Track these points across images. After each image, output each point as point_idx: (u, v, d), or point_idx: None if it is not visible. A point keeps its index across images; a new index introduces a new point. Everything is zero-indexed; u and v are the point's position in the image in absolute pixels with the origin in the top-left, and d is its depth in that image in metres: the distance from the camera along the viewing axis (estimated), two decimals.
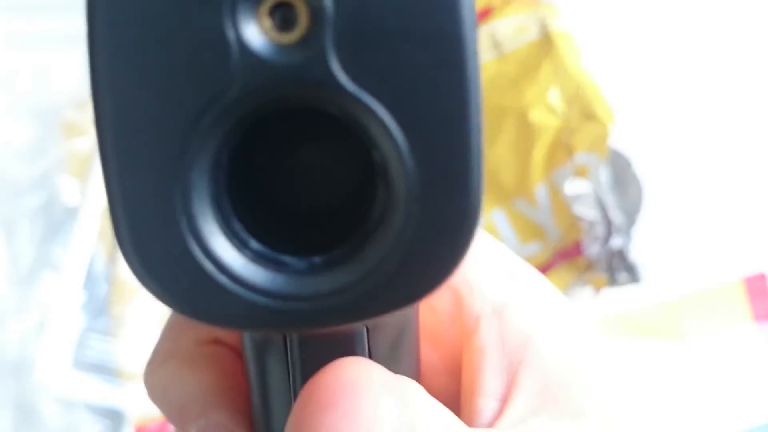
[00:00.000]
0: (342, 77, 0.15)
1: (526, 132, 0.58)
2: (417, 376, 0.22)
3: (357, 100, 0.15)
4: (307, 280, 0.16)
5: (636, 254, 0.58)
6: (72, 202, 0.61)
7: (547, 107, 0.58)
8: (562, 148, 0.58)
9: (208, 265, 0.16)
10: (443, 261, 0.17)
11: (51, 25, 0.67)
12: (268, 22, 0.15)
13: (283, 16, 0.15)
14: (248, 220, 0.17)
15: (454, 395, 0.23)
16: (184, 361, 0.22)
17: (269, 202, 0.18)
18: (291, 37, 0.15)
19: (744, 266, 0.58)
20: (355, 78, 0.15)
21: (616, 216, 0.57)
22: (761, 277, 0.58)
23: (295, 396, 0.19)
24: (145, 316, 0.58)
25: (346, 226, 0.17)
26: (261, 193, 0.18)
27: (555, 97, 0.58)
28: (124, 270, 0.59)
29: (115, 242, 0.16)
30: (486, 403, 0.21)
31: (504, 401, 0.21)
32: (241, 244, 0.16)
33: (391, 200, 0.16)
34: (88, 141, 0.62)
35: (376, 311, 0.17)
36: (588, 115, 0.58)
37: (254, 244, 0.16)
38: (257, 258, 0.16)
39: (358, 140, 0.16)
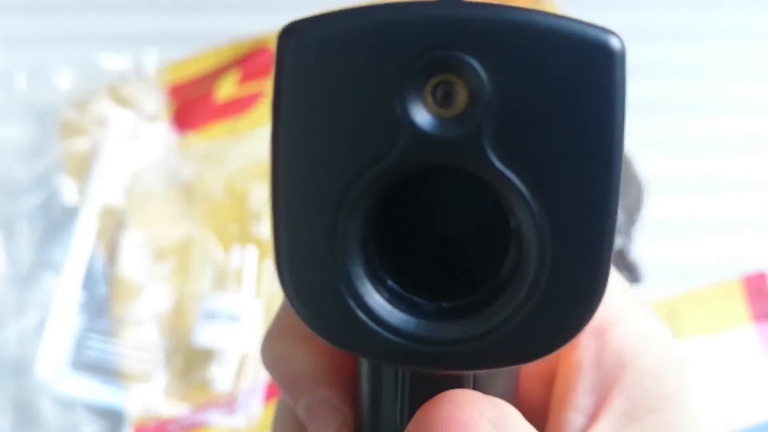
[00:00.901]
0: (491, 154, 0.17)
1: None
2: (516, 387, 0.23)
3: (503, 177, 0.17)
4: (436, 326, 0.18)
5: (636, 254, 0.58)
6: (71, 202, 0.61)
7: None
8: None
9: (352, 303, 0.18)
10: (565, 327, 0.18)
11: (50, 24, 0.67)
12: (431, 97, 0.17)
13: (444, 93, 0.17)
14: (386, 261, 0.19)
15: (544, 403, 0.24)
16: (300, 339, 0.24)
17: (405, 246, 0.20)
18: (449, 112, 0.17)
19: (743, 266, 0.58)
20: (503, 157, 0.17)
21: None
22: (761, 276, 0.58)
23: (403, 400, 0.21)
24: (144, 316, 0.58)
25: (474, 277, 0.19)
26: (399, 238, 0.20)
27: None
28: (122, 270, 0.59)
29: (276, 275, 0.19)
30: (575, 417, 0.22)
31: (592, 418, 0.22)
32: (380, 282, 0.18)
33: (522, 263, 0.18)
34: (86, 141, 0.62)
35: (496, 363, 0.18)
36: None
37: (390, 283, 0.18)
38: (393, 298, 0.18)
39: (498, 204, 0.18)
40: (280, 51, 0.18)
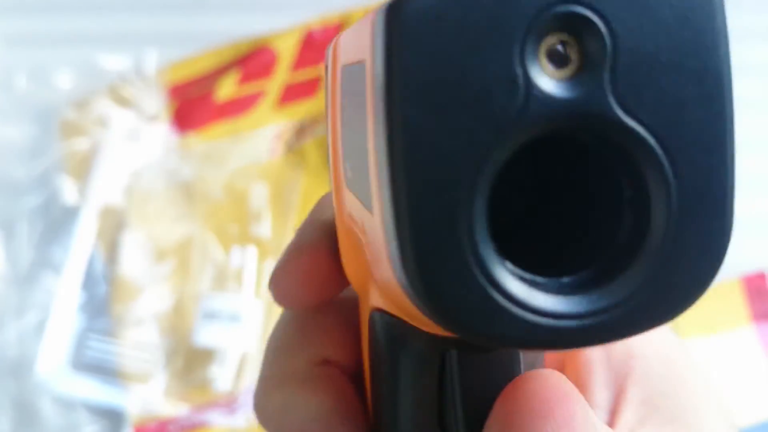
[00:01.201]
0: (617, 109, 0.17)
1: None
2: None
3: (630, 131, 0.17)
4: (575, 299, 0.18)
5: None
6: (71, 202, 0.61)
7: None
8: None
9: (490, 288, 0.17)
10: (697, 280, 0.18)
11: (50, 25, 0.67)
12: (549, 58, 0.17)
13: (564, 52, 0.17)
14: (503, 239, 0.18)
15: None
16: (301, 384, 0.22)
17: (520, 222, 0.20)
18: (570, 71, 0.17)
19: (743, 266, 0.58)
20: (628, 110, 0.17)
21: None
22: (761, 276, 0.58)
23: (445, 408, 0.20)
24: (144, 316, 0.58)
25: (593, 248, 0.18)
26: (514, 213, 0.20)
27: None
28: (122, 270, 0.59)
29: (400, 272, 0.17)
30: (598, 415, 0.22)
31: (613, 413, 0.22)
32: (504, 265, 0.17)
33: (646, 227, 0.17)
34: (86, 141, 0.62)
35: (638, 329, 0.18)
36: None
37: (509, 264, 0.17)
38: (521, 279, 0.17)
39: (611, 169, 0.18)
40: (389, 26, 0.17)
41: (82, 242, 0.60)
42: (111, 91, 0.63)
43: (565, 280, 0.18)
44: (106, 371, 0.57)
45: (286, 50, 0.64)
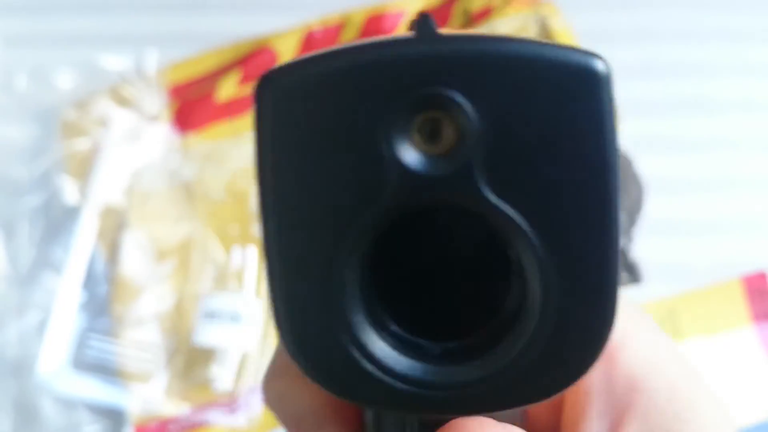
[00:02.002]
0: (485, 189, 0.17)
1: None
2: (525, 412, 0.23)
3: (499, 212, 0.17)
4: (444, 369, 0.18)
5: (636, 254, 0.58)
6: (72, 202, 0.61)
7: None
8: None
9: (356, 353, 0.18)
10: (578, 360, 0.18)
11: (51, 25, 0.67)
12: (418, 136, 0.17)
13: (431, 131, 0.17)
14: (387, 305, 0.18)
15: (553, 429, 0.23)
16: (299, 377, 0.23)
17: (404, 288, 0.20)
18: (439, 149, 0.17)
19: (743, 266, 0.58)
20: (498, 191, 0.17)
21: None
22: (761, 276, 0.58)
23: None
24: (145, 316, 0.58)
25: (479, 316, 0.18)
26: (398, 279, 0.19)
27: None
28: (123, 270, 0.59)
29: (274, 325, 0.18)
30: None
31: None
32: (382, 327, 0.18)
33: (527, 298, 0.17)
34: (87, 141, 0.62)
35: (507, 404, 0.18)
36: None
37: (394, 327, 0.18)
38: (397, 343, 0.18)
39: (496, 239, 0.18)
40: (259, 101, 0.17)
41: (83, 242, 0.60)
42: (112, 92, 0.63)
43: (451, 344, 0.18)
44: (107, 371, 0.57)
45: (287, 51, 0.64)
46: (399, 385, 0.18)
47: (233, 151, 0.62)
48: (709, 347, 0.57)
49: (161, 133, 0.62)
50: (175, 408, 0.56)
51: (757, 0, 0.66)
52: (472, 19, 0.63)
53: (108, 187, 0.61)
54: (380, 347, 0.18)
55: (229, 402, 0.56)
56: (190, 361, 0.57)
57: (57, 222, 0.61)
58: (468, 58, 0.16)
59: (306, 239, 0.17)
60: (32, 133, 0.64)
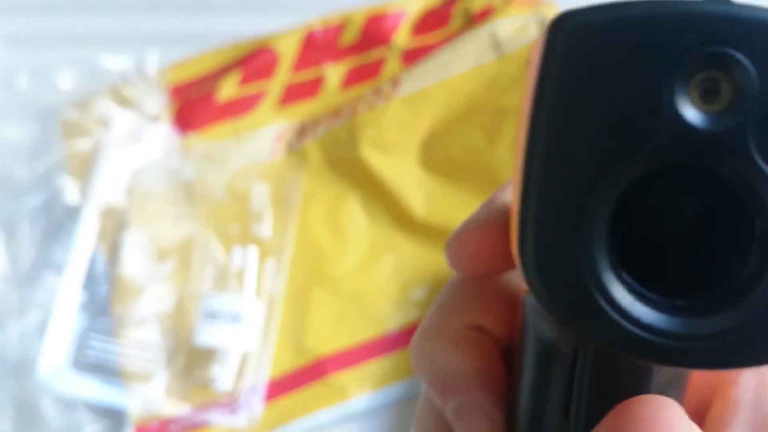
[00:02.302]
0: (755, 152, 0.17)
1: None
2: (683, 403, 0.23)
3: (764, 176, 0.17)
4: (675, 320, 0.18)
5: None
6: (72, 202, 0.61)
7: None
8: None
9: (595, 291, 0.18)
10: None
11: (51, 25, 0.67)
12: (695, 92, 0.17)
13: (711, 88, 0.17)
14: (623, 254, 0.19)
15: None
16: (452, 340, 0.24)
17: (639, 241, 0.20)
18: (714, 107, 0.17)
19: None
20: (765, 156, 0.17)
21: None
22: None
23: (569, 405, 0.21)
24: (145, 316, 0.58)
25: (710, 277, 0.19)
26: (635, 232, 0.20)
27: None
28: (124, 270, 0.59)
29: (518, 252, 0.19)
30: None
31: None
32: (617, 275, 0.18)
33: (763, 269, 0.18)
34: (87, 141, 0.62)
35: (726, 364, 0.18)
36: None
37: (626, 277, 0.19)
38: (632, 291, 0.18)
39: (740, 204, 0.18)
40: (551, 38, 0.18)
41: (84, 242, 0.60)
42: (112, 92, 0.63)
43: (679, 302, 0.19)
44: (108, 371, 0.57)
45: (287, 51, 0.64)
46: (631, 327, 0.18)
47: (233, 151, 0.62)
48: None
49: (162, 133, 0.63)
50: (175, 408, 0.56)
51: (757, 0, 0.66)
52: (472, 19, 0.63)
53: (108, 187, 0.61)
54: (618, 290, 0.18)
55: (230, 402, 0.56)
56: (191, 361, 0.57)
57: (57, 222, 0.61)
58: (756, 23, 0.17)
59: (570, 173, 0.18)
60: (33, 133, 0.64)
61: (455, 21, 0.64)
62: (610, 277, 0.18)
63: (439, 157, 0.60)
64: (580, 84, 0.17)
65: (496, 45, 0.61)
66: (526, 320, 0.22)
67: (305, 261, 0.60)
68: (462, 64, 0.60)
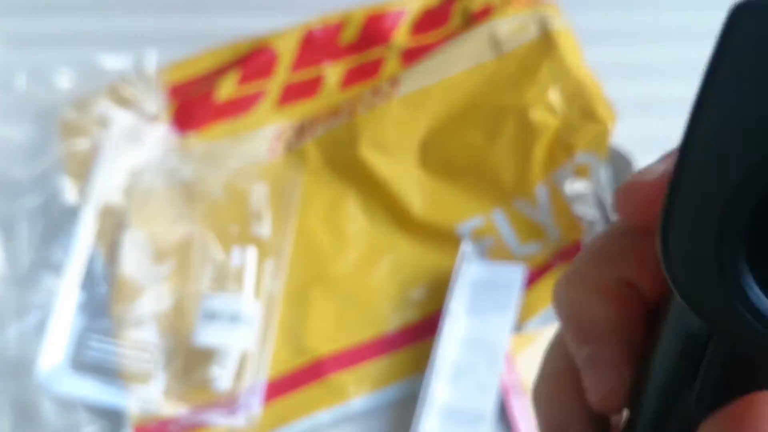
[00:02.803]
0: None
1: (526, 132, 0.58)
2: None
3: None
4: None
5: None
6: (71, 202, 0.61)
7: (547, 107, 0.58)
8: (562, 148, 0.58)
9: (731, 289, 0.19)
10: None
11: (50, 25, 0.67)
12: None
13: None
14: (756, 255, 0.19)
15: None
16: (598, 290, 0.24)
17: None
18: None
19: None
20: None
21: (616, 216, 0.57)
22: None
23: (695, 382, 0.21)
24: (144, 317, 0.58)
25: None
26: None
27: (555, 96, 0.58)
28: (122, 270, 0.59)
29: (660, 240, 0.19)
30: None
31: None
32: (748, 274, 0.19)
33: None
34: (86, 141, 0.62)
35: None
36: (588, 114, 0.58)
37: (760, 279, 0.19)
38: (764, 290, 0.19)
39: None
40: (732, 24, 0.18)
41: (82, 242, 0.60)
42: (111, 91, 0.63)
43: None
44: (106, 371, 0.57)
45: (286, 50, 0.64)
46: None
47: (232, 151, 0.62)
48: None
49: (160, 133, 0.62)
50: (174, 408, 0.56)
51: None
52: (472, 19, 0.63)
53: (107, 187, 0.61)
54: (756, 295, 0.18)
55: (229, 402, 0.56)
56: (190, 361, 0.57)
57: (56, 222, 0.61)
58: None
59: (724, 163, 0.18)
60: (31, 132, 0.64)
61: (454, 20, 0.64)
62: (750, 283, 0.18)
63: (438, 156, 0.60)
64: (756, 72, 0.18)
65: (496, 44, 0.60)
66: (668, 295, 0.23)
67: (304, 261, 0.60)
68: (461, 64, 0.60)
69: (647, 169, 0.24)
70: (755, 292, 0.18)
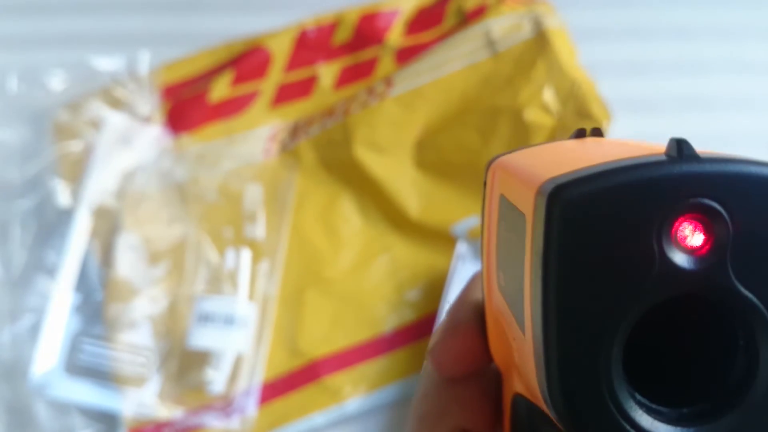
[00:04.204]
0: (735, 281, 0.20)
1: (521, 131, 0.58)
2: None
3: (744, 299, 0.20)
4: (693, 430, 0.21)
5: None
6: (64, 205, 0.61)
7: (541, 106, 0.58)
8: None
9: (620, 418, 0.21)
10: None
11: (42, 26, 0.66)
12: (680, 238, 0.20)
13: (695, 235, 0.20)
14: (632, 376, 0.21)
15: None
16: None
17: (642, 361, 0.23)
18: (699, 250, 0.20)
19: None
20: (744, 283, 0.20)
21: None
22: None
23: None
24: (138, 319, 0.58)
25: (706, 385, 0.22)
26: (639, 354, 0.23)
27: (549, 95, 0.58)
28: (117, 272, 0.59)
29: (545, 386, 0.21)
30: None
31: None
32: (632, 395, 0.21)
33: (755, 373, 0.21)
34: (79, 143, 0.62)
35: None
36: (583, 113, 0.58)
37: (638, 396, 0.21)
38: (643, 408, 0.21)
39: (728, 323, 0.21)
40: (549, 210, 0.20)
41: (76, 245, 0.59)
42: (104, 93, 0.63)
43: (684, 410, 0.21)
44: (101, 375, 0.57)
45: (280, 50, 0.64)
46: None
47: (226, 151, 0.62)
48: None
49: (154, 134, 0.62)
50: (169, 411, 0.56)
51: (756, 1, 0.66)
52: (466, 18, 0.63)
53: (101, 189, 0.61)
54: (639, 414, 0.21)
55: (224, 405, 0.56)
56: (184, 364, 0.57)
57: (50, 225, 0.61)
58: (726, 176, 0.20)
59: (585, 323, 0.20)
60: (24, 135, 0.64)
61: (449, 20, 0.64)
62: (631, 404, 0.21)
63: (432, 156, 0.60)
64: (582, 251, 0.20)
65: (490, 43, 0.60)
66: (520, 422, 0.24)
67: (299, 262, 0.60)
68: (455, 63, 0.60)
69: (448, 326, 0.26)
70: (638, 413, 0.21)
